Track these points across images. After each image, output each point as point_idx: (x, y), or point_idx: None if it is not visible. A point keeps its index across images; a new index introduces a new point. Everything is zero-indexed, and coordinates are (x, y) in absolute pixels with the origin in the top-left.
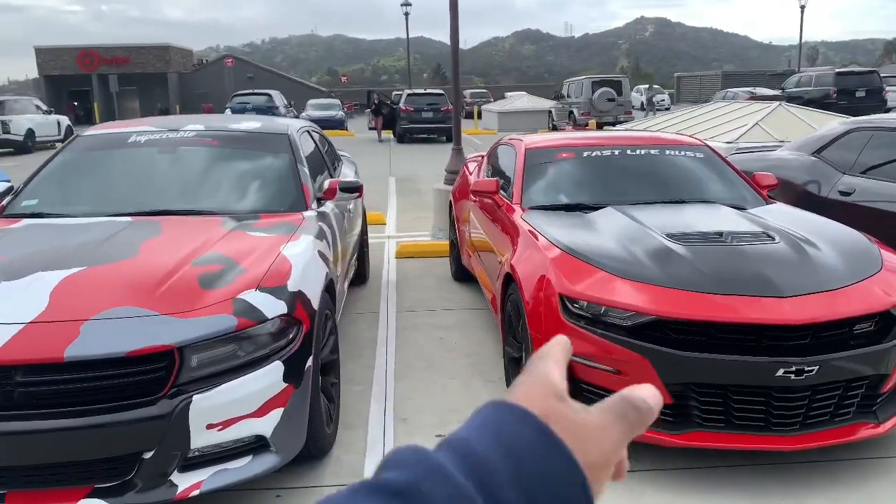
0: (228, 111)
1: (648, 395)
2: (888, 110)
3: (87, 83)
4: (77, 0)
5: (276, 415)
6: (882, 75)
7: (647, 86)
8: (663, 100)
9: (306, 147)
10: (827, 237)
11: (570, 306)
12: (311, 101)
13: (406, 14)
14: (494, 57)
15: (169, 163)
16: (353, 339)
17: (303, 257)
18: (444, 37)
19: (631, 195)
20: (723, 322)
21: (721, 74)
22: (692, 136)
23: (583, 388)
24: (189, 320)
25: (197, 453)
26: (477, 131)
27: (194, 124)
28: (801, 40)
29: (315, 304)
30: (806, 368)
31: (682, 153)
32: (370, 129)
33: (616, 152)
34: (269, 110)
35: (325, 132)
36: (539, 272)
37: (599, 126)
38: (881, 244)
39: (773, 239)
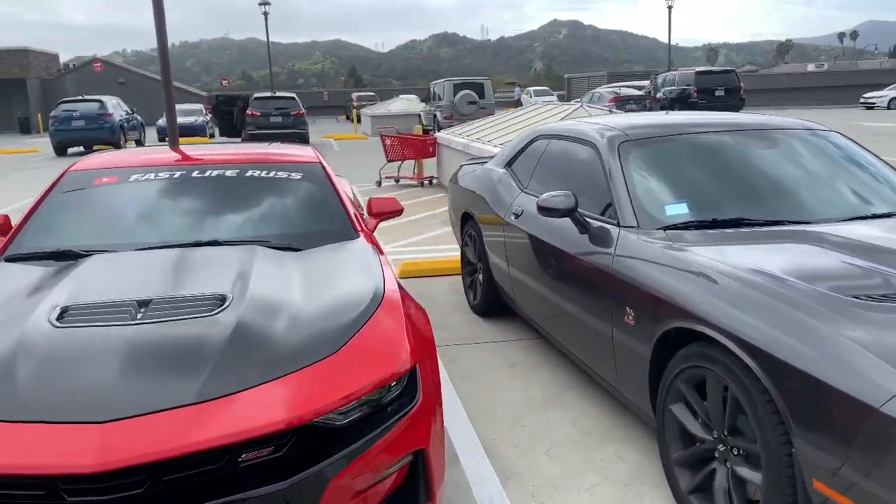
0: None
1: None
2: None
3: None
4: None
5: None
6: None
7: (523, 87)
8: (552, 100)
9: None
10: (321, 294)
11: None
12: None
13: (265, 14)
14: (412, 60)
15: None
16: None
17: None
18: (361, 39)
19: (153, 235)
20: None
21: (607, 75)
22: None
23: None
24: None
25: None
26: (346, 136)
27: None
28: (669, 39)
29: None
30: None
31: (274, 174)
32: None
33: (176, 175)
34: (100, 118)
35: (186, 139)
36: None
37: (426, 132)
38: (399, 297)
39: (220, 307)
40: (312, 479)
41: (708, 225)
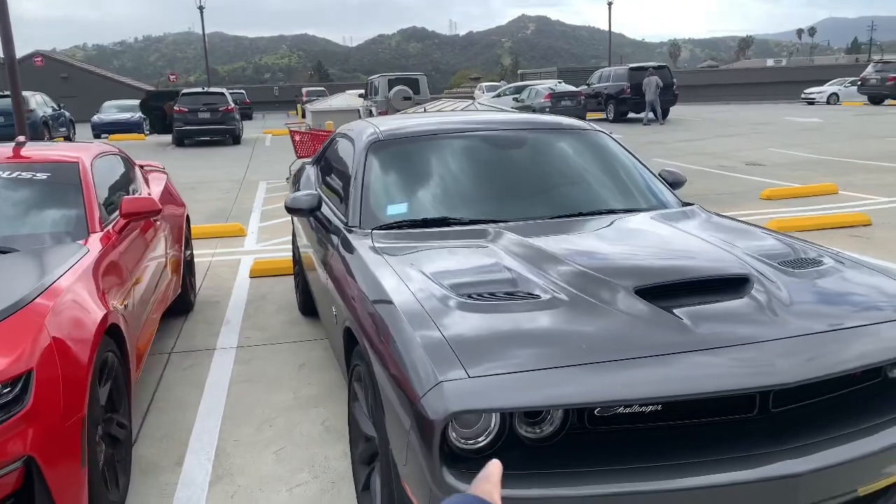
0: None
1: None
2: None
3: None
4: None
5: None
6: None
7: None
8: (496, 96)
9: None
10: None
11: None
12: (107, 103)
13: (200, 8)
14: (381, 54)
15: None
16: None
17: None
18: (329, 34)
19: None
20: None
21: (556, 71)
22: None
23: None
24: None
25: None
26: (284, 132)
27: None
28: (609, 32)
29: None
30: None
31: (17, 174)
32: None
33: None
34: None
35: (120, 136)
36: None
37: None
38: (49, 304)
39: None
40: None
41: (419, 224)
